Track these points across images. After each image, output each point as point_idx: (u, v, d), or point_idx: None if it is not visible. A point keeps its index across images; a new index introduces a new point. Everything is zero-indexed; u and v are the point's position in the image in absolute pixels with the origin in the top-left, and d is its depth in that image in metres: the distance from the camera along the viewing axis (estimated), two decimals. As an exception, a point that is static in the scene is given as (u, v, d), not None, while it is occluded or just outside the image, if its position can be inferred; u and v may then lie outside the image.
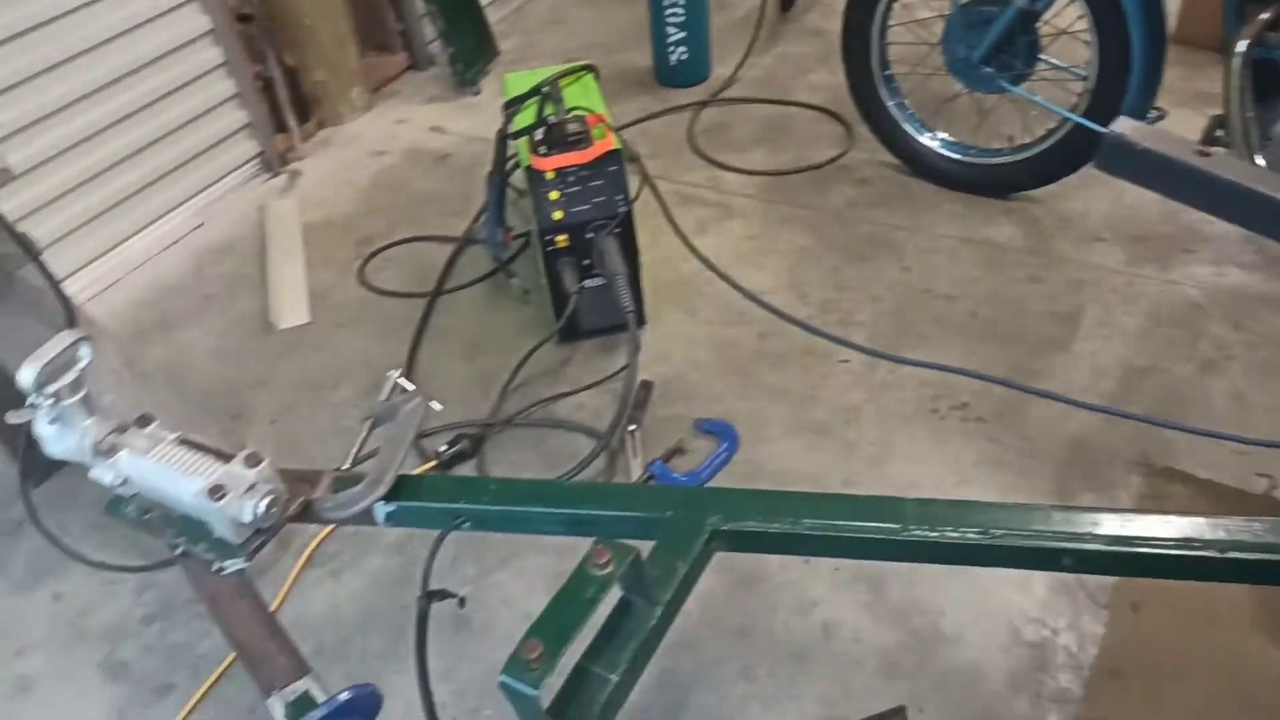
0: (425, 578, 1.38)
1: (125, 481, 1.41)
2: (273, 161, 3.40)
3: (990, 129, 2.95)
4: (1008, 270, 2.67)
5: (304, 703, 1.16)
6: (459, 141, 3.51)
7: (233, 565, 1.33)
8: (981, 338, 2.47)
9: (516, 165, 2.55)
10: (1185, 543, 1.10)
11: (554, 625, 1.04)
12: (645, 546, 1.16)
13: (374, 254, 2.98)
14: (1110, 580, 1.89)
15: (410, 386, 1.66)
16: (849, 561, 1.97)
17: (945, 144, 2.92)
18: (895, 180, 3.06)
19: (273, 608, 2.01)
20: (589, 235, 2.35)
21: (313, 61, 3.48)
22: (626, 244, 2.37)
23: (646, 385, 2.40)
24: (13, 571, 2.16)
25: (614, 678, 1.12)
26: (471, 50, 3.83)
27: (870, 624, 1.87)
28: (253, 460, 1.35)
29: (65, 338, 1.38)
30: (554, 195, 2.30)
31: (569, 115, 2.33)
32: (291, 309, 2.77)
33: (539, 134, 2.29)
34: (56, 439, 1.45)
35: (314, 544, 2.13)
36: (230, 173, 3.31)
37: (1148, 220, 2.78)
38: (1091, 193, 2.88)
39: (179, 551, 1.37)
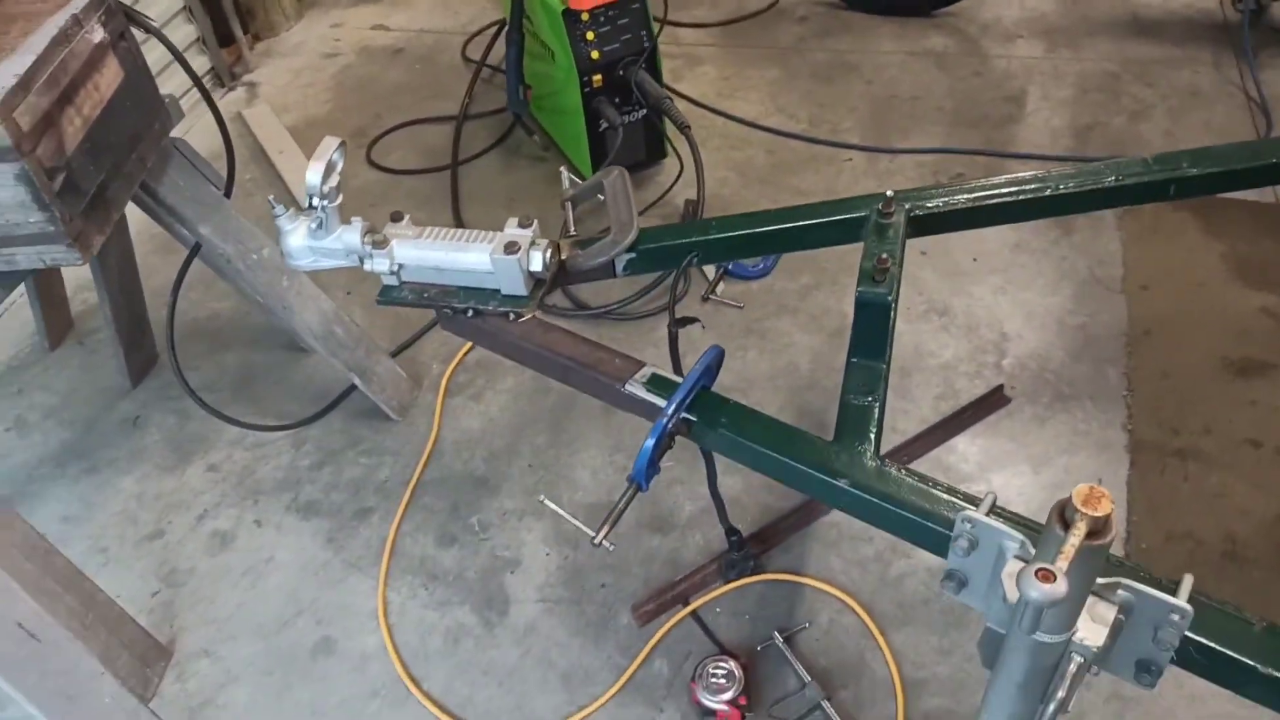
0: (671, 308, 1.65)
1: (400, 269, 1.58)
2: (224, 75, 3.37)
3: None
4: (953, 71, 3.10)
5: (658, 380, 1.41)
6: (407, 35, 3.58)
7: (529, 311, 1.54)
8: (952, 124, 2.89)
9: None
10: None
11: (885, 253, 1.34)
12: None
13: (375, 141, 3.07)
14: (1118, 272, 2.36)
15: (576, 178, 1.89)
16: (920, 297, 2.35)
17: (876, -26, 3.31)
18: (831, 15, 3.42)
19: (432, 435, 2.20)
20: (620, 73, 2.58)
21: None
22: (655, 76, 2.62)
23: (690, 203, 2.67)
24: (154, 457, 2.21)
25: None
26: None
27: (951, 341, 2.27)
28: (525, 221, 1.56)
29: (332, 141, 1.52)
30: (590, 35, 2.50)
31: (591, -42, 2.52)
32: (316, 198, 2.84)
33: (575, -24, 2.47)
34: (311, 246, 1.59)
35: (447, 375, 2.30)
36: (186, 92, 3.26)
37: (1049, 18, 3.29)
38: (997, 2, 3.36)
39: (470, 315, 1.56)
